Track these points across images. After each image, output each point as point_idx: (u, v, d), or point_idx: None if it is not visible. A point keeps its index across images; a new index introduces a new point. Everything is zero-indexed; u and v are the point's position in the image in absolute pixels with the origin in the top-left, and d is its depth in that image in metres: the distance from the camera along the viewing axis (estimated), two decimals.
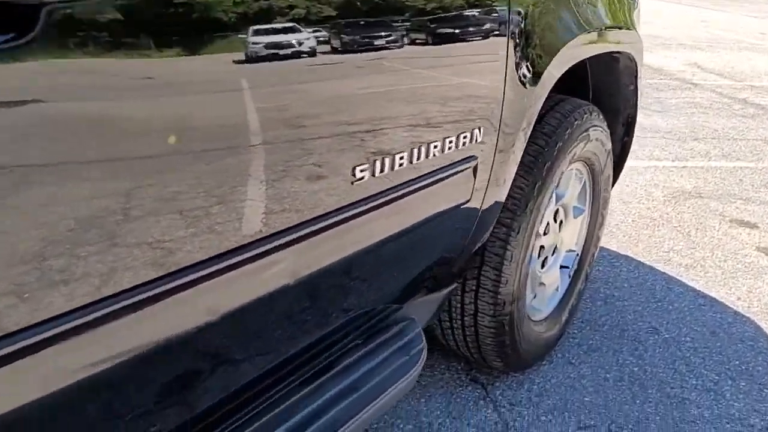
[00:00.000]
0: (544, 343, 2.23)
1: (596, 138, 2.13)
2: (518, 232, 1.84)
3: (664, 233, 3.38)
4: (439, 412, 2.04)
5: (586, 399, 2.15)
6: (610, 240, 3.26)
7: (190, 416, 1.16)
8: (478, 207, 1.61)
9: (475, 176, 1.51)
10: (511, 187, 1.84)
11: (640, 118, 5.91)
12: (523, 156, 1.85)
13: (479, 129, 1.47)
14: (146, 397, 1.07)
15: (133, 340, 0.95)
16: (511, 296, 1.91)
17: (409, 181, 1.33)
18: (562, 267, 2.36)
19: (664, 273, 2.98)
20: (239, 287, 1.10)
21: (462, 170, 1.46)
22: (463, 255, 1.69)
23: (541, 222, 1.99)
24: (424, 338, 1.68)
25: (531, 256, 2.00)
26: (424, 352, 1.63)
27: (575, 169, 2.18)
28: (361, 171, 1.18)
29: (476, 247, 1.76)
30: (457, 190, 1.48)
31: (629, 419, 2.07)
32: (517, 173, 1.84)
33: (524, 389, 2.16)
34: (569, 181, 2.16)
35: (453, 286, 1.81)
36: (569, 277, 2.38)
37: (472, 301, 1.91)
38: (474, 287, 1.90)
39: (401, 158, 1.27)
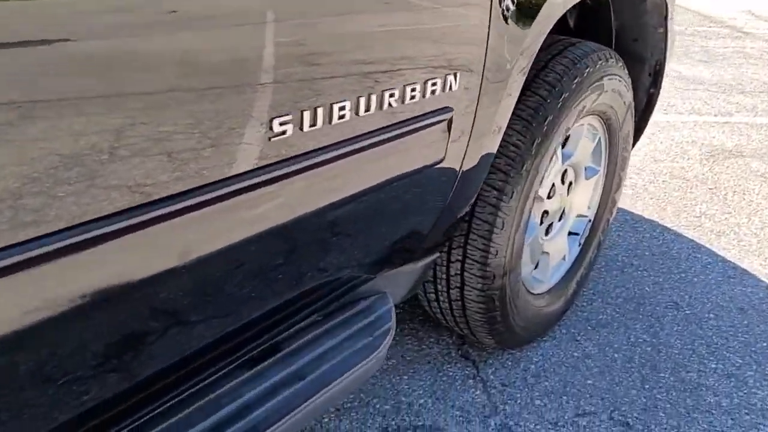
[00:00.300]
0: (546, 318, 2.01)
1: (613, 89, 1.86)
2: (511, 197, 1.61)
3: (696, 195, 3.09)
4: (422, 391, 1.85)
5: (589, 382, 1.93)
6: (635, 202, 2.99)
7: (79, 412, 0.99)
8: (457, 168, 1.38)
9: (449, 131, 1.28)
10: (503, 145, 1.59)
11: (684, 68, 5.52)
12: (519, 108, 1.60)
13: (454, 75, 1.23)
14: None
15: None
16: (502, 268, 1.69)
17: (363, 135, 1.11)
18: (571, 234, 2.12)
19: (693, 240, 2.71)
20: (162, 248, 0.91)
21: (431, 124, 1.23)
22: (441, 222, 1.47)
23: (541, 184, 1.74)
24: (393, 316, 1.48)
25: (528, 223, 1.76)
26: (391, 333, 1.43)
27: (587, 125, 1.92)
28: (289, 123, 0.96)
29: (460, 214, 1.53)
30: (426, 148, 1.25)
31: (635, 406, 1.85)
32: (511, 129, 1.59)
33: (520, 368, 1.96)
34: (579, 137, 1.90)
35: (434, 257, 1.60)
36: (579, 245, 2.14)
37: (458, 273, 1.70)
38: (460, 257, 1.68)
39: (350, 108, 1.04)
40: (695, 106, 4.29)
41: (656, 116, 4.08)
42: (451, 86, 1.23)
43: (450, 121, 1.26)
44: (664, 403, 1.88)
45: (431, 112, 1.21)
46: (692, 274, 2.48)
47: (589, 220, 2.15)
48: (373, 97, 1.06)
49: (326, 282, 1.38)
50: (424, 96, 1.18)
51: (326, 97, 0.99)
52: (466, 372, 1.93)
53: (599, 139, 2.01)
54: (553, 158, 1.79)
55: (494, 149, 1.49)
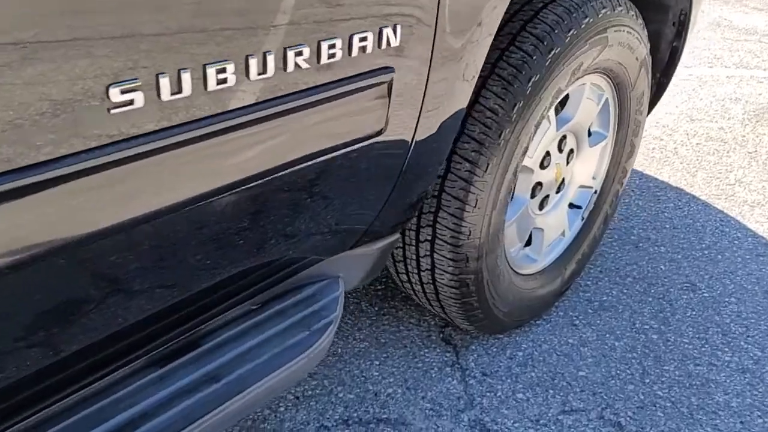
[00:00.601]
0: (539, 300, 1.81)
1: (620, 42, 1.60)
2: (486, 170, 1.40)
3: (733, 160, 2.80)
4: (392, 379, 1.69)
5: (581, 373, 1.73)
6: (661, 167, 2.71)
7: None
8: (408, 139, 1.17)
9: (389, 97, 1.07)
10: (478, 110, 1.38)
11: (736, 16, 5.06)
12: (499, 67, 1.38)
13: (393, 29, 1.02)
14: None
15: None
16: (476, 250, 1.49)
17: (259, 103, 0.91)
18: (573, 206, 1.90)
19: (722, 212, 2.44)
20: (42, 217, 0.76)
21: (362, 89, 1.02)
22: (394, 202, 1.27)
23: (526, 154, 1.52)
24: (340, 305, 1.30)
25: (512, 198, 1.55)
26: (333, 326, 1.26)
27: (590, 84, 1.67)
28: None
29: (419, 191, 1.33)
30: (357, 117, 1.05)
31: (630, 403, 1.65)
32: (488, 90, 1.37)
33: (505, 356, 1.77)
34: (580, 99, 1.66)
35: (393, 239, 1.41)
36: (582, 219, 1.91)
37: (428, 254, 1.51)
38: (429, 237, 1.48)
39: (233, 71, 0.85)
40: (744, 60, 3.91)
41: (699, 70, 3.74)
42: (389, 41, 1.02)
43: (390, 85, 1.05)
44: (665, 401, 1.67)
45: (361, 74, 1.01)
46: (716, 250, 2.22)
47: (595, 192, 1.91)
48: (270, 57, 0.86)
49: (260, 266, 1.21)
50: (349, 53, 0.97)
51: (199, 58, 0.80)
52: (445, 358, 1.75)
53: (606, 100, 1.77)
54: (543, 124, 1.56)
55: (459, 116, 1.27)
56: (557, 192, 1.80)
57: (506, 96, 1.38)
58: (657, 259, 2.17)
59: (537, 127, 1.48)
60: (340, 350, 1.75)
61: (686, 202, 2.49)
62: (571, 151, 1.77)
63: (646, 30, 1.75)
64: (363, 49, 0.99)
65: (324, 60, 0.94)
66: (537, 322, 1.89)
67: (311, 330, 1.23)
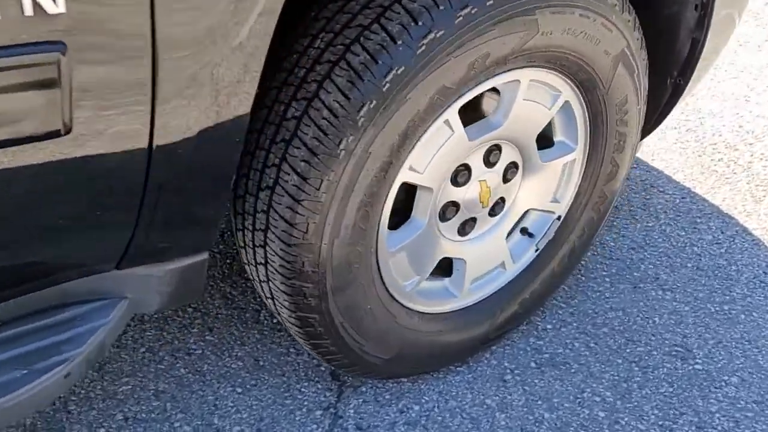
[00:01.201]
0: (450, 348, 1.44)
1: (568, 29, 1.17)
2: (320, 187, 1.05)
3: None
4: (246, 415, 1.41)
5: None
6: (721, 185, 2.17)
7: None
8: (142, 145, 0.86)
9: (62, 85, 0.76)
10: (316, 107, 1.04)
11: None
12: (352, 51, 1.03)
13: None
14: None
15: None
16: (315, 286, 1.15)
17: None
18: (527, 233, 1.49)
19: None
20: None
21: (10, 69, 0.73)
22: (159, 218, 0.97)
23: (402, 168, 1.15)
24: (93, 339, 1.04)
25: (379, 224, 1.19)
26: (66, 366, 1.00)
27: (527, 82, 1.24)
28: None
29: (206, 208, 1.02)
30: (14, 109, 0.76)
31: None
32: (332, 84, 1.03)
33: (395, 409, 1.43)
34: (512, 100, 1.25)
35: (197, 259, 1.10)
36: (536, 251, 1.50)
37: (266, 281, 1.20)
38: (263, 260, 1.17)
39: None
40: None
41: None
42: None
43: (59, 69, 0.75)
44: None
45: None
46: (742, 308, 1.71)
47: (558, 218, 1.49)
48: None
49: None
50: None
51: None
52: (322, 399, 1.44)
53: (566, 103, 1.34)
54: (440, 131, 1.17)
55: (240, 115, 0.93)
56: (492, 215, 1.41)
57: (352, 92, 1.03)
58: (655, 308, 1.70)
59: (413, 136, 1.10)
60: (206, 367, 1.50)
61: (731, 236, 1.96)
62: (513, 165, 1.36)
63: (634, 17, 1.29)
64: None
65: None
66: (459, 367, 1.52)
67: (30, 369, 0.98)
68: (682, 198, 2.10)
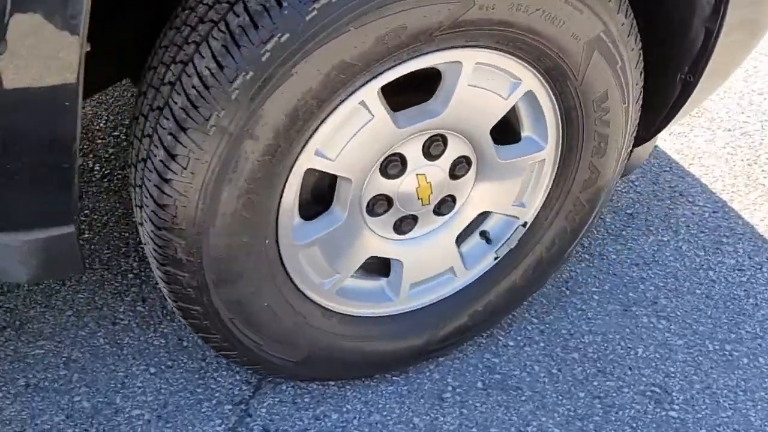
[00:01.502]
0: (375, 357, 1.28)
1: (515, 4, 0.97)
2: (187, 166, 0.91)
3: None
4: (152, 398, 1.30)
5: None
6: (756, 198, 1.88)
7: None
8: None
9: None
10: (189, 73, 0.89)
11: None
12: (234, 10, 0.88)
13: None
14: None
15: None
16: (192, 277, 1.02)
17: None
18: (486, 239, 1.31)
19: None
20: None
21: None
22: None
23: (302, 152, 0.98)
24: None
25: (263, 212, 1.03)
26: None
27: (473, 64, 1.04)
28: None
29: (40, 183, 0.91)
30: None
31: None
32: (208, 45, 0.88)
33: (310, 416, 1.29)
34: (454, 85, 1.06)
35: (63, 231, 0.99)
36: (495, 259, 1.31)
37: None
38: (144, 239, 1.05)
39: None
40: None
41: None
42: None
43: None
44: None
45: None
46: (746, 350, 1.46)
47: (524, 225, 1.30)
48: None
49: None
50: None
51: None
52: (235, 393, 1.32)
53: (529, 94, 1.13)
54: (355, 113, 1.00)
55: (72, 72, 0.80)
56: (439, 214, 1.23)
57: (225, 60, 0.87)
58: (642, 337, 1.48)
59: (311, 118, 0.94)
60: (127, 340, 1.40)
61: (758, 263, 1.68)
62: (464, 160, 1.17)
63: None
64: None
65: None
66: (395, 376, 1.37)
67: None
68: (713, 212, 1.83)
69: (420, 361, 1.36)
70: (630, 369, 1.42)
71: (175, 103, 0.91)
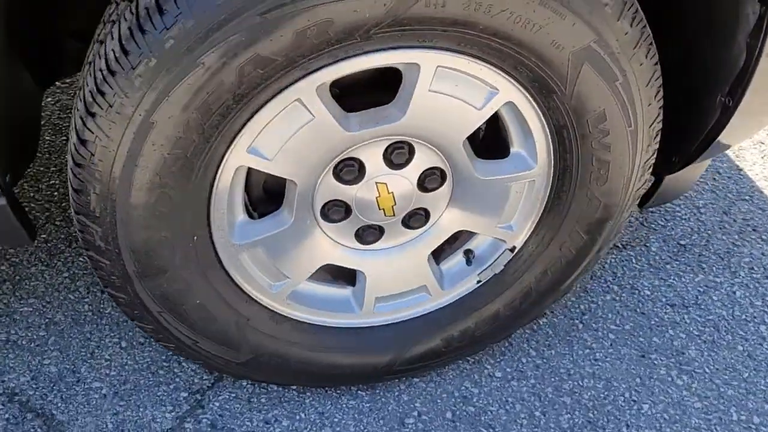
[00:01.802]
0: (332, 370, 1.20)
1: (475, 2, 0.83)
2: (95, 153, 0.86)
3: None
4: (114, 373, 1.30)
5: None
6: None
7: None
8: None
9: None
10: (102, 43, 0.84)
11: None
12: None
13: None
14: None
15: None
16: (115, 267, 0.98)
17: None
18: (469, 259, 1.18)
19: None
20: None
21: None
22: None
23: (230, 149, 0.90)
24: None
25: (184, 208, 0.96)
26: None
27: (436, 68, 0.91)
28: None
29: None
30: None
31: None
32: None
33: (260, 418, 1.23)
34: (412, 89, 0.93)
35: None
36: (478, 283, 1.18)
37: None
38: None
39: None
40: None
41: None
42: None
43: None
44: None
45: None
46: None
47: (511, 249, 1.15)
48: None
49: None
50: None
51: None
52: (193, 383, 1.28)
53: (511, 107, 0.98)
54: (294, 110, 0.91)
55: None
56: (409, 227, 1.11)
57: (129, 44, 0.81)
58: (653, 392, 1.29)
59: (229, 113, 0.86)
60: (109, 309, 1.40)
61: None
62: (436, 172, 1.04)
63: (624, 3, 0.89)
64: None
65: None
66: (360, 390, 1.28)
67: None
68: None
69: (384, 381, 1.26)
70: (627, 427, 1.24)
71: (87, 85, 0.86)
